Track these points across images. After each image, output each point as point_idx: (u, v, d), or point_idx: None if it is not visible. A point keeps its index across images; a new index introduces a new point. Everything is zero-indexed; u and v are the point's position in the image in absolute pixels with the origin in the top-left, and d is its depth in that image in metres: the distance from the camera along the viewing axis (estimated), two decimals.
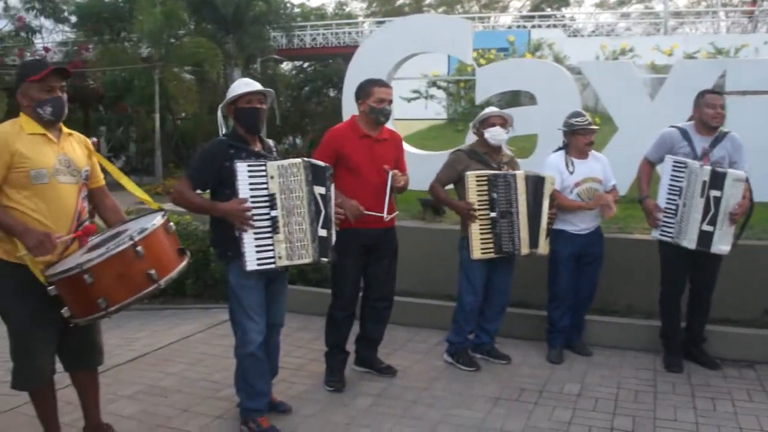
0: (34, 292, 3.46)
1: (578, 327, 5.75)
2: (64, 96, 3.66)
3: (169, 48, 25.69)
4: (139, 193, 3.98)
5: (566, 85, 7.28)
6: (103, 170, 4.01)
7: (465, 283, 5.30)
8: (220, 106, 4.23)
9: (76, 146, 3.77)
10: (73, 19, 30.79)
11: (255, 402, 4.19)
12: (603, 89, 7.31)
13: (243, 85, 4.14)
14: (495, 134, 5.22)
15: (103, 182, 3.98)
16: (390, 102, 4.80)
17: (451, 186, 5.36)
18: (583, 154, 5.49)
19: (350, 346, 5.15)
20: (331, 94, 34.08)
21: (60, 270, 3.36)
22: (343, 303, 4.91)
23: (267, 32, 30.33)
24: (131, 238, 3.33)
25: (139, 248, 3.33)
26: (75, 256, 3.49)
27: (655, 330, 5.60)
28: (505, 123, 5.28)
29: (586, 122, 5.45)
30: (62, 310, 3.40)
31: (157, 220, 3.51)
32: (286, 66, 35.73)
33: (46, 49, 29.79)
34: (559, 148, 5.61)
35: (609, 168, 5.58)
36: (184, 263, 3.58)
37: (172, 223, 3.67)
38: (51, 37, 33.15)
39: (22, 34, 29.77)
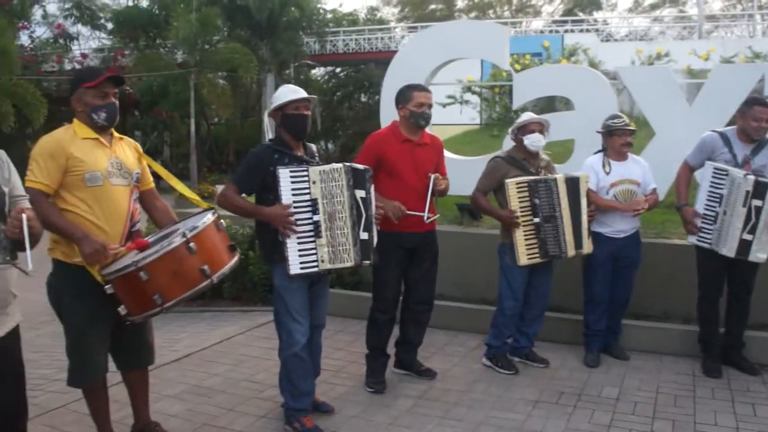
0: (91, 292, 3.57)
1: (615, 331, 5.76)
2: (117, 102, 3.78)
3: (204, 54, 25.99)
4: (189, 194, 4.09)
5: (603, 91, 7.28)
6: (153, 173, 4.12)
7: (506, 288, 5.35)
8: (267, 111, 4.32)
9: (127, 150, 3.89)
10: (110, 25, 31.31)
11: (299, 402, 4.27)
12: (640, 94, 7.30)
13: (290, 92, 4.21)
14: (534, 140, 5.26)
15: (152, 184, 4.09)
16: (430, 106, 4.87)
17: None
18: (621, 156, 5.51)
19: (390, 349, 5.21)
20: (363, 99, 34.28)
21: (116, 269, 3.46)
22: (384, 306, 4.97)
23: (300, 38, 30.59)
24: (184, 235, 3.42)
25: (191, 245, 3.42)
26: (129, 255, 3.58)
27: (692, 335, 5.60)
28: (542, 129, 5.32)
29: (623, 123, 5.48)
30: (119, 308, 3.48)
31: (208, 217, 3.60)
32: (318, 71, 35.95)
33: (84, 56, 30.30)
34: (598, 151, 5.63)
35: (649, 172, 5.57)
36: (235, 259, 3.66)
37: (223, 221, 3.76)
38: (87, 44, 33.76)
39: (60, 41, 30.30)
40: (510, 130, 5.47)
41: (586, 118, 7.04)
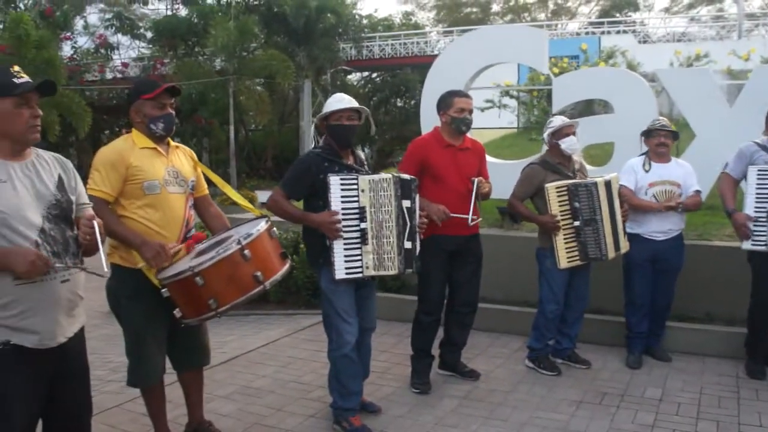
0: (148, 295, 3.72)
1: (657, 333, 5.78)
2: (174, 113, 3.94)
3: (242, 61, 26.29)
4: (242, 201, 4.23)
5: (642, 93, 7.30)
6: (207, 180, 4.27)
7: (547, 291, 5.41)
8: (314, 120, 4.44)
9: (183, 158, 4.04)
10: (149, 35, 31.79)
11: (348, 402, 4.38)
12: (680, 96, 7.31)
13: (335, 102, 4.32)
14: (571, 144, 5.33)
15: (207, 191, 4.23)
16: (470, 112, 4.95)
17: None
18: (662, 158, 5.54)
19: (434, 351, 5.28)
20: (399, 103, 34.37)
21: (172, 273, 3.59)
22: (429, 308, 5.07)
23: (336, 44, 30.79)
24: (239, 242, 3.53)
25: (246, 251, 3.53)
26: (185, 261, 3.72)
27: (735, 337, 5.62)
28: (574, 131, 5.39)
29: (659, 124, 5.52)
30: (174, 311, 3.61)
31: (262, 225, 3.71)
32: (354, 76, 36.14)
33: (125, 65, 30.80)
34: (642, 153, 5.67)
35: (692, 175, 5.57)
36: (287, 267, 3.78)
37: (275, 229, 3.88)
38: (127, 53, 34.33)
39: (102, 50, 30.88)
40: (545, 134, 5.51)
41: (626, 121, 7.08)
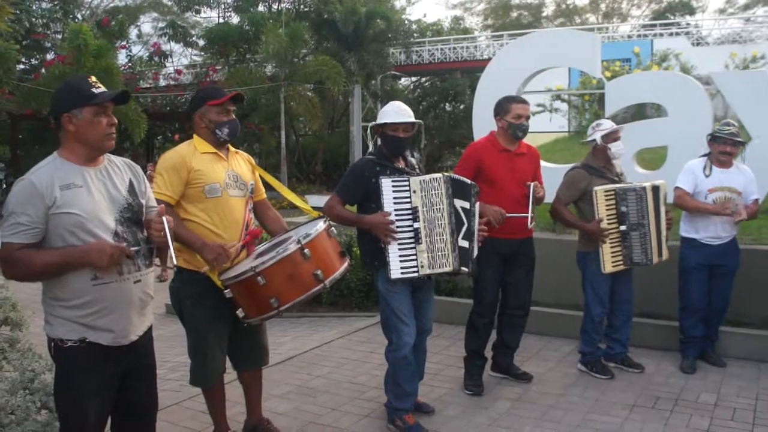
0: (211, 296, 3.84)
1: (712, 338, 5.73)
2: (236, 119, 4.07)
3: (293, 67, 26.58)
4: (300, 203, 4.34)
5: (697, 96, 7.24)
6: (266, 184, 4.38)
7: (593, 295, 5.42)
8: (370, 125, 4.53)
9: (242, 162, 4.16)
10: (201, 42, 32.37)
11: (403, 402, 4.45)
12: (735, 99, 7.22)
13: (393, 113, 4.37)
14: (619, 148, 5.34)
15: (264, 195, 4.34)
16: (527, 118, 5.00)
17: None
18: (723, 164, 5.47)
19: (487, 353, 5.33)
20: (448, 108, 34.34)
21: (234, 274, 3.71)
22: (483, 310, 5.12)
23: (386, 49, 30.92)
24: (298, 242, 3.63)
25: (306, 251, 3.62)
26: (246, 262, 3.84)
27: None
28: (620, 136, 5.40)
29: (727, 132, 5.42)
30: (237, 311, 3.73)
31: (320, 225, 3.81)
32: (404, 81, 36.23)
33: (178, 72, 31.37)
34: (704, 155, 5.61)
35: (753, 182, 5.51)
36: (345, 265, 3.87)
37: (333, 228, 3.97)
38: (180, 61, 35.00)
39: (155, 58, 31.53)
40: (593, 136, 5.46)
41: (680, 125, 7.03)
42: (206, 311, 3.91)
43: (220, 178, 3.92)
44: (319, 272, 3.65)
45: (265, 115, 27.44)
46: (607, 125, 5.41)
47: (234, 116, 4.03)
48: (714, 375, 5.46)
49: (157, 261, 3.72)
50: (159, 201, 3.71)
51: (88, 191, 3.00)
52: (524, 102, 5.05)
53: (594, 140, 5.43)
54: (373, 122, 4.48)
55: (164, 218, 3.05)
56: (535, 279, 5.30)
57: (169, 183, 3.84)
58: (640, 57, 14.55)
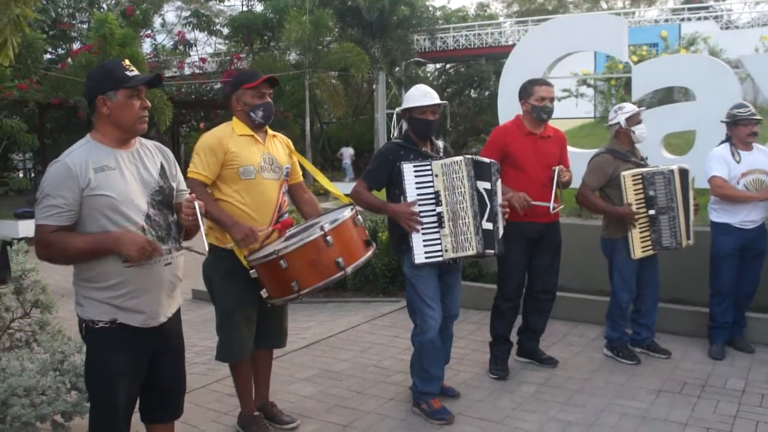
0: (239, 275, 3.89)
1: (740, 323, 5.68)
2: (272, 102, 4.10)
3: (317, 54, 26.59)
4: (333, 189, 4.36)
5: (726, 80, 7.15)
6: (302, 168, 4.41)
7: (620, 281, 5.38)
8: (397, 110, 4.53)
9: (279, 146, 4.20)
10: (225, 31, 32.45)
11: (428, 386, 4.46)
12: (766, 82, 7.12)
13: (420, 96, 4.36)
14: (643, 131, 5.30)
15: (301, 179, 4.38)
16: (551, 100, 4.97)
17: None
18: (747, 146, 5.42)
19: (512, 338, 5.32)
20: (473, 95, 34.19)
21: (260, 255, 3.77)
22: (508, 294, 5.11)
23: (410, 36, 30.81)
24: (322, 229, 3.66)
25: (328, 237, 3.65)
26: (274, 244, 3.88)
27: None
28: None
29: (749, 113, 5.38)
30: (261, 292, 3.79)
31: (346, 213, 3.83)
32: (429, 68, 36.10)
33: (203, 60, 31.51)
34: (722, 142, 5.56)
35: None
36: (369, 253, 3.88)
37: (360, 217, 3.98)
38: (204, 49, 35.12)
39: (180, 47, 31.68)
40: (616, 120, 5.41)
41: (708, 109, 6.94)
42: (234, 289, 3.97)
43: (255, 161, 3.98)
44: (340, 259, 3.67)
45: (290, 102, 27.53)
46: (629, 108, 5.37)
47: (269, 99, 4.07)
48: (742, 361, 5.41)
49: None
50: (194, 180, 3.89)
51: (120, 174, 3.03)
52: (548, 84, 5.03)
53: (617, 123, 5.38)
54: (399, 107, 4.47)
55: (196, 203, 3.07)
56: (562, 264, 5.28)
57: (206, 163, 3.93)
58: (667, 41, 14.36)
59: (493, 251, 4.33)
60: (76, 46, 28.26)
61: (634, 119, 5.29)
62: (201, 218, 3.07)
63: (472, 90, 34.10)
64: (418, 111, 4.34)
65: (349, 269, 3.73)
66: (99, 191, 2.95)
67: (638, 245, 5.18)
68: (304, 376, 5.31)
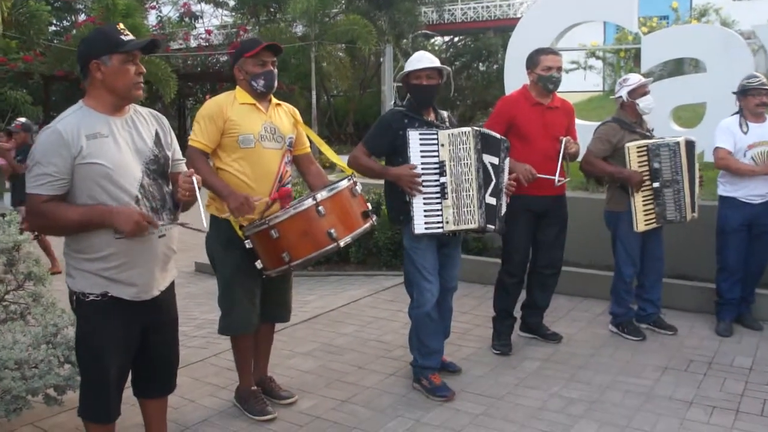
0: (239, 246, 3.80)
1: (748, 300, 5.58)
2: (275, 70, 3.99)
3: (324, 26, 26.35)
4: (336, 160, 4.26)
5: (738, 51, 7.00)
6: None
7: (624, 255, 5.29)
8: (395, 77, 4.42)
9: (283, 115, 4.09)
10: (231, 3, 32.21)
11: (428, 360, 4.38)
12: None
13: (415, 61, 4.28)
14: (649, 103, 5.17)
15: (308, 149, 4.27)
16: (558, 69, 4.84)
17: None
18: (758, 118, 5.28)
19: (516, 313, 5.24)
20: (481, 68, 33.89)
21: (252, 225, 3.70)
22: (512, 268, 5.01)
23: (418, 8, 30.48)
24: (314, 198, 3.58)
25: (320, 208, 3.57)
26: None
27: None
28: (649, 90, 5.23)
29: (758, 82, 5.24)
30: (256, 262, 3.72)
31: (343, 183, 3.73)
32: (437, 41, 35.78)
33: (208, 32, 31.28)
34: (735, 113, 5.42)
35: None
36: (366, 226, 3.77)
37: (359, 187, 3.87)
38: (210, 22, 34.88)
39: (186, 19, 31.45)
40: (620, 93, 5.30)
41: (720, 81, 6.80)
42: (234, 260, 3.89)
43: (255, 130, 3.89)
44: (333, 231, 3.58)
45: (296, 75, 27.33)
46: (633, 80, 5.24)
47: (271, 68, 3.95)
48: (750, 338, 5.32)
49: None
50: (194, 148, 3.83)
51: (114, 141, 2.94)
52: (554, 53, 4.90)
53: (620, 97, 5.28)
54: (398, 75, 4.36)
55: (194, 178, 2.99)
56: (568, 239, 5.19)
57: (205, 131, 3.86)
58: (678, 12, 14.12)
59: (493, 227, 4.23)
60: (81, 18, 28.11)
61: (638, 91, 5.17)
62: (199, 193, 2.98)
63: (480, 63, 33.79)
64: (413, 77, 4.24)
65: (342, 242, 3.64)
66: (91, 159, 2.86)
67: (641, 218, 5.07)
68: (305, 350, 5.24)
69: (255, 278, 3.92)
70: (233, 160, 3.88)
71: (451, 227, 4.12)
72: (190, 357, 5.11)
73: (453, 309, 4.73)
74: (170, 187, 3.13)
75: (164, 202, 3.08)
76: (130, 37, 2.97)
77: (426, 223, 4.11)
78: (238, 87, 4.00)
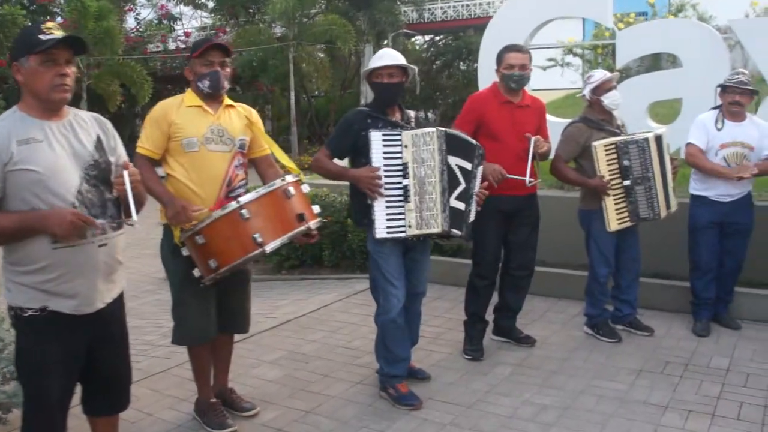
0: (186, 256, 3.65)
1: (725, 299, 5.47)
2: (226, 71, 3.84)
3: (302, 27, 26.18)
4: (285, 161, 4.10)
5: (713, 46, 6.90)
6: None
7: (598, 255, 5.18)
8: (363, 78, 4.29)
9: (234, 117, 3.92)
10: (210, 4, 31.95)
11: (394, 368, 4.24)
12: (755, 49, 6.85)
13: (376, 59, 4.16)
14: (614, 99, 5.04)
15: (266, 152, 4.10)
16: (521, 67, 4.69)
17: None
18: (736, 117, 5.15)
19: (488, 316, 5.11)
20: (462, 67, 33.80)
21: (184, 232, 3.56)
22: (483, 271, 4.88)
23: (397, 7, 30.33)
24: (238, 202, 3.42)
25: (243, 211, 3.40)
26: None
27: None
28: (616, 86, 5.11)
29: (736, 80, 5.11)
30: (194, 271, 3.58)
31: (275, 184, 3.56)
32: (418, 40, 35.67)
33: (187, 34, 31.04)
34: (715, 107, 5.31)
35: None
36: (300, 228, 3.55)
37: (306, 188, 3.71)
38: (190, 23, 34.60)
39: (164, 21, 31.19)
40: (586, 90, 5.19)
41: (695, 76, 6.71)
42: (183, 267, 3.72)
43: (200, 132, 3.74)
44: (257, 235, 3.40)
45: (275, 76, 27.10)
46: (597, 76, 5.12)
47: (218, 68, 3.80)
48: (727, 338, 5.21)
49: None
50: (139, 155, 3.71)
51: (49, 146, 2.78)
52: (519, 50, 4.76)
53: (584, 95, 5.18)
54: (362, 74, 4.22)
55: (125, 172, 2.84)
56: (542, 238, 5.07)
57: (151, 137, 3.75)
58: (655, 8, 14.04)
59: (459, 232, 4.07)
60: (58, 21, 27.78)
61: (602, 87, 5.04)
62: (129, 188, 2.83)
63: (461, 62, 33.68)
64: (376, 75, 4.10)
65: (269, 246, 3.44)
66: (22, 165, 2.71)
67: (613, 217, 4.95)
68: (271, 358, 5.08)
69: (208, 287, 3.76)
70: (179, 165, 3.75)
71: (414, 231, 3.97)
72: (153, 367, 4.96)
73: (422, 314, 4.59)
74: (113, 193, 2.96)
75: (105, 209, 2.91)
76: (52, 35, 2.78)
77: (388, 227, 3.97)
78: (188, 89, 3.87)
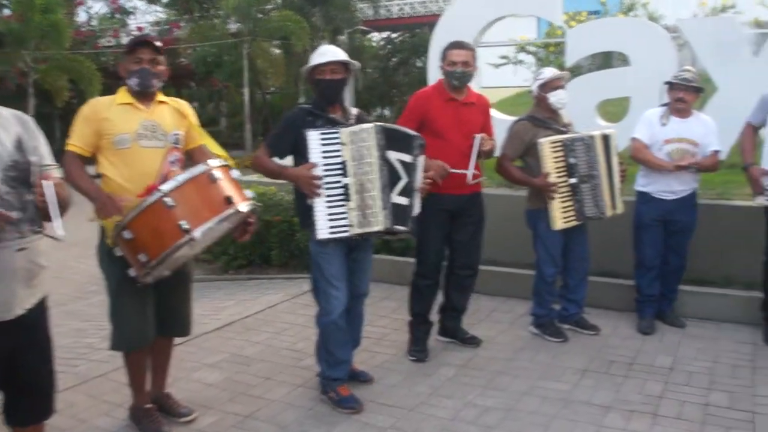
0: (121, 256, 3.53)
1: (670, 297, 5.49)
2: (157, 68, 3.73)
3: (257, 23, 25.93)
4: (217, 150, 4.00)
5: (662, 45, 6.91)
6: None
7: (544, 255, 5.15)
8: (303, 74, 4.16)
9: (167, 112, 3.83)
10: None
11: (335, 371, 4.16)
12: (702, 48, 6.89)
13: (317, 56, 4.06)
14: (560, 98, 5.01)
15: (200, 143, 4.03)
16: (464, 64, 4.62)
17: None
18: (682, 113, 5.16)
19: (434, 316, 5.06)
20: (418, 64, 33.80)
21: (113, 229, 3.44)
22: (426, 271, 4.81)
23: (353, 4, 30.19)
24: (160, 190, 3.31)
25: (167, 199, 3.29)
26: None
27: (755, 302, 5.29)
28: (564, 85, 5.07)
29: (680, 78, 5.13)
30: (128, 270, 3.45)
31: (197, 169, 3.45)
32: (375, 36, 35.58)
33: (140, 29, 30.53)
34: (662, 105, 5.31)
35: (714, 133, 5.18)
36: (228, 211, 3.42)
37: (236, 173, 3.61)
38: (144, 18, 34.03)
39: (117, 15, 30.64)
40: (534, 86, 5.16)
41: (643, 75, 6.73)
42: (119, 270, 3.60)
43: (132, 129, 3.65)
44: (184, 222, 3.28)
45: (230, 72, 26.83)
46: (546, 74, 5.10)
47: (146, 66, 3.69)
48: (672, 336, 5.23)
49: None
50: (68, 152, 3.61)
51: None
52: (462, 47, 4.69)
53: (531, 91, 5.16)
54: (303, 71, 4.10)
55: (44, 183, 2.72)
56: (490, 237, 5.04)
57: (80, 134, 3.64)
58: (607, 7, 14.16)
59: (404, 228, 3.99)
60: (5, 12, 27.11)
61: (549, 85, 5.01)
62: (53, 201, 2.71)
63: (417, 59, 33.66)
64: (317, 72, 4.01)
65: (197, 232, 3.31)
66: None
67: (559, 215, 4.93)
68: (212, 361, 4.96)
69: (145, 289, 3.65)
70: (110, 163, 3.65)
71: (357, 230, 3.88)
72: (91, 371, 4.83)
73: (368, 314, 4.53)
74: (34, 195, 2.82)
75: (25, 211, 2.78)
76: None
77: (331, 227, 3.87)
78: (122, 87, 3.78)
